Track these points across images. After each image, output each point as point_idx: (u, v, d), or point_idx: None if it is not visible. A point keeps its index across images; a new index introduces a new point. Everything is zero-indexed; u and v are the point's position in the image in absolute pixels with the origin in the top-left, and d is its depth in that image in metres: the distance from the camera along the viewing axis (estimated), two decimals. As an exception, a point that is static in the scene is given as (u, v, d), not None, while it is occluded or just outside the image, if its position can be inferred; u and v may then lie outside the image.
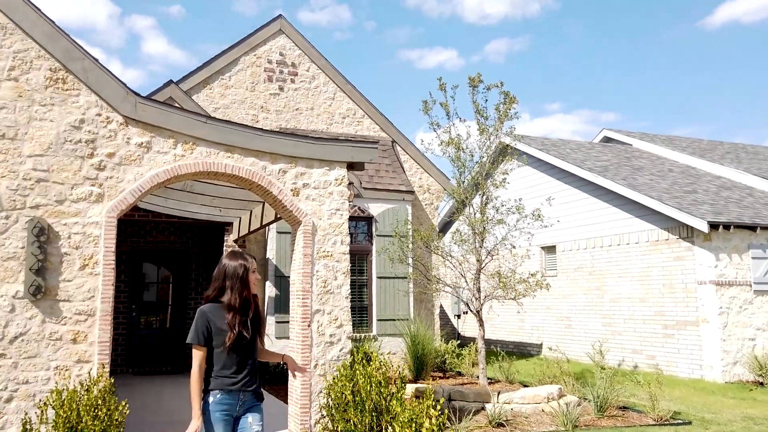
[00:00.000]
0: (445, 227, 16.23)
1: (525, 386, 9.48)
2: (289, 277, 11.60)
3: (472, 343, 11.60)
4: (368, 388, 4.98)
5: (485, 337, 9.87)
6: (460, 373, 11.24)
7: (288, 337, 11.61)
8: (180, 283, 12.10)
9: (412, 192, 12.31)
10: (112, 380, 5.53)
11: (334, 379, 6.01)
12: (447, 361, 11.47)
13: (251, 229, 9.97)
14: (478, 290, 9.42)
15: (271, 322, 11.30)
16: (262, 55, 12.12)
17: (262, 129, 6.63)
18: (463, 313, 17.39)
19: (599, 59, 64.44)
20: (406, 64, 68.45)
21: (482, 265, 9.43)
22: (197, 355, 3.47)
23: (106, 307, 5.86)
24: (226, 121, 6.52)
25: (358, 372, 5.26)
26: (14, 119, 5.79)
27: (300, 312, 6.59)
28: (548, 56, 66.25)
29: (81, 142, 5.98)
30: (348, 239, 6.90)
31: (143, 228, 11.84)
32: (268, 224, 9.24)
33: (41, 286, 5.69)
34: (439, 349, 11.33)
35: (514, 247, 9.56)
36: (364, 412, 4.96)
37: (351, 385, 5.58)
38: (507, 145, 9.88)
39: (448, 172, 11.71)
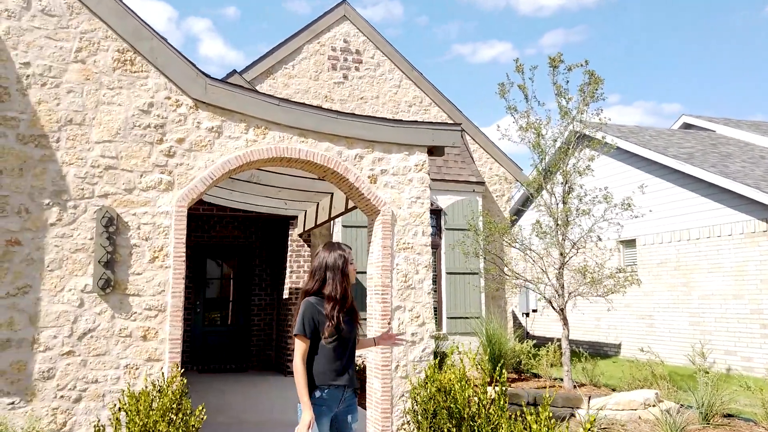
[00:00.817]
0: (515, 217, 15.48)
1: (613, 390, 8.75)
2: (357, 273, 11.16)
3: (550, 343, 10.91)
4: (465, 395, 4.42)
5: (572, 338, 9.18)
6: (536, 375, 10.57)
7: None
8: (243, 279, 11.83)
9: (482, 183, 11.68)
10: (185, 381, 5.17)
11: (419, 381, 5.48)
12: (522, 362, 10.81)
13: (318, 222, 9.56)
14: (562, 286, 8.73)
15: (337, 319, 10.88)
16: (325, 43, 11.72)
17: (337, 111, 6.16)
18: (532, 311, 16.61)
19: (658, 49, 61.86)
20: (459, 58, 67.40)
21: (566, 259, 8.74)
22: (300, 347, 3.39)
23: (177, 302, 5.50)
24: (299, 103, 6.08)
25: (451, 376, 4.71)
26: (82, 103, 5.50)
27: (379, 309, 6.10)
28: (605, 47, 64.08)
29: (150, 127, 5.64)
30: (429, 230, 6.36)
31: (207, 222, 11.62)
32: (337, 216, 8.80)
33: (110, 280, 5.37)
34: (514, 349, 10.68)
35: (600, 239, 8.84)
36: (461, 422, 4.41)
37: (440, 389, 5.04)
38: (582, 134, 9.14)
39: (522, 161, 11.00)
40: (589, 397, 7.83)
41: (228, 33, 70.48)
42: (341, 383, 3.41)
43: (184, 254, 5.59)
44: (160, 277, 5.51)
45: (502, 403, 4.35)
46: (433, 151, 6.51)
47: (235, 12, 69.50)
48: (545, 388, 8.85)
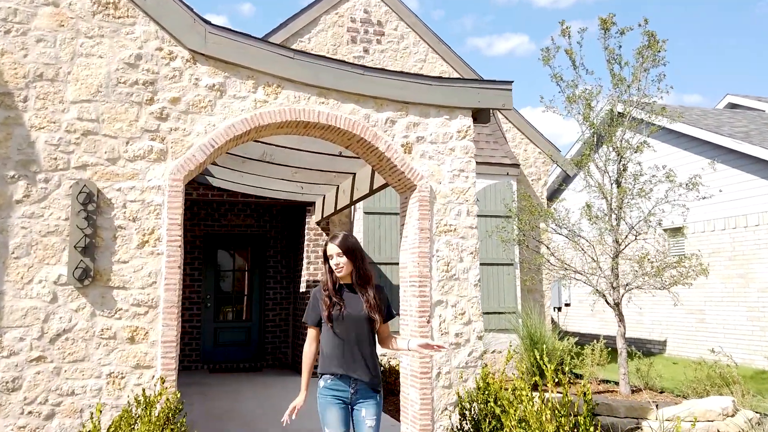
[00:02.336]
0: (551, 198, 14.24)
1: (678, 396, 7.60)
2: (379, 264, 10.12)
3: (596, 341, 9.76)
4: (543, 418, 3.33)
5: (604, 334, 8.15)
6: (579, 376, 9.44)
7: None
8: (257, 271, 10.82)
9: (517, 165, 10.54)
10: (179, 394, 4.14)
11: (467, 392, 4.41)
12: (563, 362, 9.67)
13: (338, 207, 8.50)
14: (617, 277, 7.60)
15: (359, 314, 9.84)
16: (344, 14, 10.64)
17: (363, 66, 5.07)
18: (565, 305, 15.46)
19: (676, 41, 59.92)
20: (475, 51, 65.96)
21: (622, 247, 7.60)
22: (308, 334, 3.57)
23: (171, 297, 4.46)
24: (318, 55, 5.01)
25: (521, 393, 3.62)
26: (54, 55, 4.46)
27: (416, 304, 5.02)
28: (623, 39, 62.16)
29: (138, 84, 4.60)
30: (475, 209, 5.27)
31: (217, 210, 10.61)
32: (359, 200, 7.73)
33: (89, 269, 4.35)
34: (555, 347, 9.55)
35: (660, 223, 7.70)
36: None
37: (497, 402, 3.96)
38: (639, 105, 7.96)
39: (559, 141, 9.82)
40: (657, 405, 6.70)
41: (244, 29, 69.67)
42: (340, 372, 3.30)
43: (180, 238, 4.55)
44: (150, 265, 4.48)
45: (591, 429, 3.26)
46: (479, 115, 5.41)
47: (250, 8, 68.69)
48: (600, 393, 7.73)
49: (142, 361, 4.39)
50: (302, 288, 9.87)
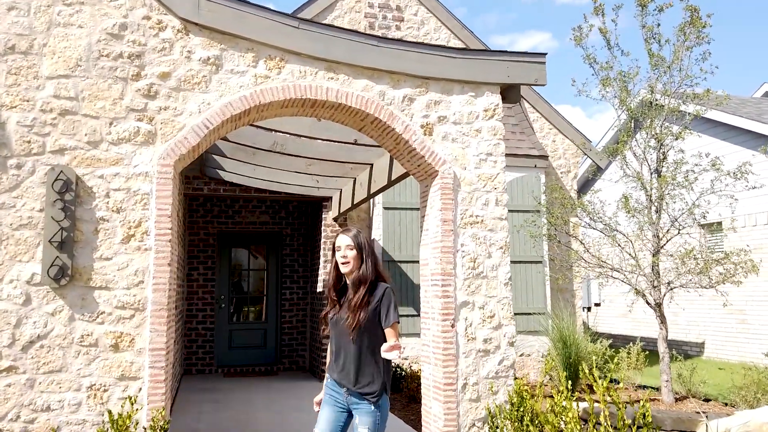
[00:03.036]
0: (581, 192, 13.42)
1: (727, 405, 6.85)
2: (400, 262, 9.50)
3: (632, 344, 9.00)
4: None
5: (636, 335, 7.43)
6: (614, 381, 8.70)
7: (400, 334, 9.51)
8: (273, 270, 10.25)
9: (545, 157, 9.82)
10: (165, 413, 3.56)
11: (498, 407, 3.76)
12: (598, 366, 8.94)
13: (355, 202, 7.88)
14: (658, 275, 6.86)
15: (379, 315, 9.22)
16: None
17: (378, 36, 4.44)
18: (594, 304, 14.66)
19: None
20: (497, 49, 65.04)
21: (664, 243, 6.87)
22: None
23: (161, 298, 3.88)
24: (327, 25, 4.38)
25: (563, 410, 2.96)
26: (28, 24, 3.91)
27: (438, 306, 4.38)
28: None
29: (122, 57, 4.02)
30: (505, 198, 4.60)
31: (231, 207, 10.07)
32: (378, 192, 7.11)
33: (66, 267, 3.78)
34: (587, 350, 8.82)
35: (705, 216, 6.95)
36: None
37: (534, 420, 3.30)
38: (680, 86, 7.20)
39: (588, 131, 9.08)
40: (706, 416, 5.96)
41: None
42: (333, 377, 3.14)
43: (170, 232, 3.96)
44: (137, 262, 3.90)
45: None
46: (508, 93, 4.74)
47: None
48: (639, 402, 7.00)
49: (127, 372, 3.82)
50: (319, 287, 9.28)
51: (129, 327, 3.85)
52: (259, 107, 4.18)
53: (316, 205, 9.68)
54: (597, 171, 11.13)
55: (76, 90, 3.93)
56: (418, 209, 9.49)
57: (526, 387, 3.83)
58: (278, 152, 6.90)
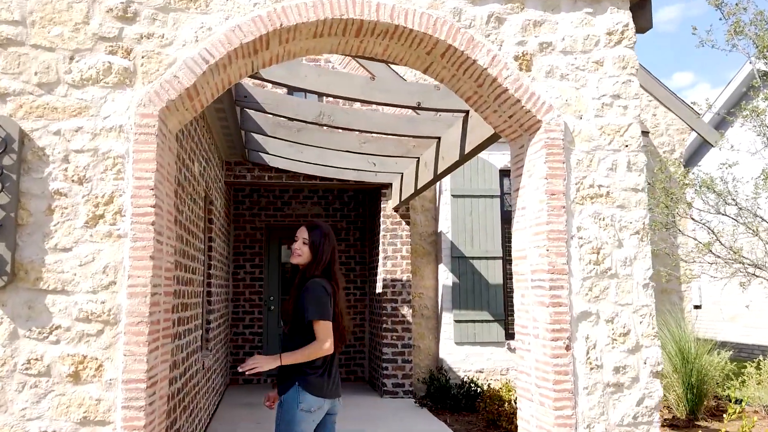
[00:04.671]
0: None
1: None
2: (471, 258, 8.07)
3: (762, 357, 7.22)
4: None
5: (748, 342, 5.71)
6: (738, 402, 6.96)
7: (473, 343, 8.10)
8: (327, 268, 9.00)
9: (645, 133, 8.15)
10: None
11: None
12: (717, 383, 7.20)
13: (419, 186, 6.50)
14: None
15: (448, 321, 7.81)
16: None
17: (450, -71, 3.05)
18: (694, 307, 12.70)
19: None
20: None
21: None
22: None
23: (140, 307, 2.62)
24: None
25: None
26: None
27: (544, 318, 2.94)
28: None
29: (88, -35, 2.80)
30: (641, 160, 3.11)
31: (280, 198, 8.90)
32: (447, 172, 5.72)
33: (4, 262, 2.58)
34: (711, 365, 7.10)
35: None
36: None
37: None
38: None
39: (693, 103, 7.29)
40: None
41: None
42: (329, 396, 2.92)
43: (153, 211, 2.70)
44: (107, 255, 2.67)
45: None
46: (636, 13, 3.25)
47: None
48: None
49: (92, 414, 2.58)
50: (378, 288, 7.97)
51: (95, 348, 2.62)
52: (280, 33, 2.87)
53: (374, 194, 8.37)
54: (700, 150, 9.31)
55: (22, 11, 2.73)
56: (492, 196, 8.02)
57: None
58: (326, 125, 5.61)
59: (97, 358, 2.61)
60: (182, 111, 2.90)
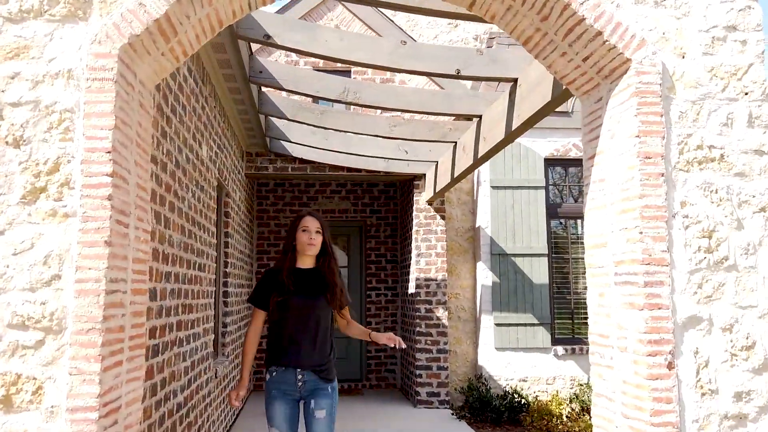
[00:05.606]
0: None
1: None
2: (513, 256, 7.24)
3: None
4: None
5: None
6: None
7: (515, 348, 7.21)
8: (356, 267, 8.29)
9: None
10: None
11: None
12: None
13: (456, 174, 5.72)
14: None
15: (487, 324, 7.00)
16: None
17: None
18: None
19: None
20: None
21: None
22: (253, 318, 3.03)
23: (91, 308, 1.91)
24: None
25: None
26: None
27: (636, 325, 2.13)
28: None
29: None
30: (766, 112, 2.29)
31: (305, 192, 8.21)
32: (491, 154, 4.94)
33: None
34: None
35: None
36: None
37: None
38: None
39: None
40: None
41: None
42: (285, 364, 2.87)
43: (111, 182, 1.99)
44: (49, 241, 1.97)
45: None
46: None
47: None
48: None
49: (26, 454, 1.89)
50: (411, 289, 7.21)
51: (33, 365, 1.92)
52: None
53: (406, 186, 7.62)
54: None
55: None
56: (536, 187, 7.18)
57: None
58: (351, 103, 4.89)
59: (35, 378, 1.91)
60: (156, 56, 2.20)
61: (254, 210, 7.98)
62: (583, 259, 7.08)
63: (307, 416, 2.88)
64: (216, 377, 4.87)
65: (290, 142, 6.38)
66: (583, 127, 2.54)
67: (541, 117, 3.92)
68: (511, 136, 4.34)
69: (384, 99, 4.89)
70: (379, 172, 6.96)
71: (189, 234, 3.86)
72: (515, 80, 4.14)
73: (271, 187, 8.14)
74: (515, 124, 4.15)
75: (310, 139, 6.32)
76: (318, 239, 2.98)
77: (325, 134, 6.27)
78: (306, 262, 3.02)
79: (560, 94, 3.46)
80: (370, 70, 7.82)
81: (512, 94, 4.23)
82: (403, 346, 2.87)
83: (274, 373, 2.91)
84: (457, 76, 4.16)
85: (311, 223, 2.99)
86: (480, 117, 4.95)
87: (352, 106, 6.58)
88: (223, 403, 5.37)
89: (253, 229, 7.87)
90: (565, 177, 7.47)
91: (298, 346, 2.88)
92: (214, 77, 4.70)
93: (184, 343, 3.77)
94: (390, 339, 2.93)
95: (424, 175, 7.09)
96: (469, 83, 7.24)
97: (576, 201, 7.39)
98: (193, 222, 4.02)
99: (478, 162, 5.14)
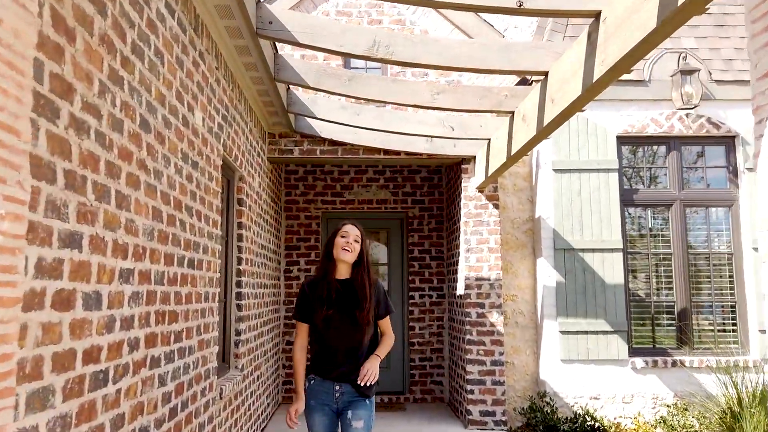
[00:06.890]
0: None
1: None
2: (581, 251, 6.07)
3: None
4: None
5: None
6: None
7: (585, 360, 5.98)
8: (397, 264, 7.27)
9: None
10: None
11: None
12: None
13: (513, 152, 4.62)
14: None
15: (551, 331, 5.87)
16: None
17: None
18: None
19: None
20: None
21: None
22: (296, 332, 3.08)
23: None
24: None
25: None
26: None
27: None
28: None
29: None
30: None
31: (339, 181, 7.24)
32: (557, 123, 3.85)
33: None
34: None
35: None
36: None
37: None
38: None
39: None
40: None
41: None
42: (326, 376, 2.94)
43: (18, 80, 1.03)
44: None
45: None
46: None
47: None
48: None
49: None
50: (460, 289, 6.14)
51: None
52: None
53: (452, 172, 6.56)
54: None
55: None
56: (607, 170, 6.00)
57: None
58: (382, 59, 3.87)
59: None
60: None
61: (282, 200, 7.07)
62: (664, 254, 5.89)
63: (344, 426, 2.91)
64: (221, 398, 3.94)
65: (316, 118, 5.41)
66: (749, 24, 1.44)
67: (636, 59, 2.83)
68: (590, 92, 3.24)
69: (423, 54, 3.85)
70: (420, 154, 5.92)
71: (169, 221, 2.92)
72: (597, 15, 3.05)
73: (300, 175, 7.21)
74: (598, 74, 3.05)
75: (340, 115, 5.35)
76: (355, 247, 3.00)
77: (356, 108, 5.28)
78: (342, 271, 3.02)
79: (670, 17, 2.38)
80: (406, 18, 6.80)
81: (592, 34, 3.14)
82: (369, 383, 2.88)
83: (312, 382, 2.98)
84: (519, 11, 3.08)
85: (351, 230, 3.04)
86: (546, 74, 3.85)
87: (387, 71, 5.57)
88: (235, 427, 4.44)
89: (280, 222, 6.97)
90: (642, 158, 6.26)
91: (336, 359, 2.93)
92: (215, 31, 3.77)
93: (162, 363, 2.83)
94: (361, 372, 2.92)
95: (474, 157, 6.01)
96: (532, 30, 6.12)
97: (652, 186, 6.17)
98: (179, 206, 3.09)
99: (543, 132, 4.04)
